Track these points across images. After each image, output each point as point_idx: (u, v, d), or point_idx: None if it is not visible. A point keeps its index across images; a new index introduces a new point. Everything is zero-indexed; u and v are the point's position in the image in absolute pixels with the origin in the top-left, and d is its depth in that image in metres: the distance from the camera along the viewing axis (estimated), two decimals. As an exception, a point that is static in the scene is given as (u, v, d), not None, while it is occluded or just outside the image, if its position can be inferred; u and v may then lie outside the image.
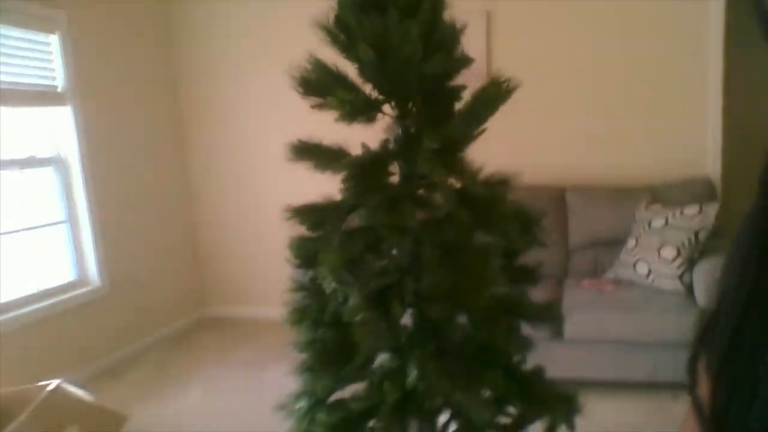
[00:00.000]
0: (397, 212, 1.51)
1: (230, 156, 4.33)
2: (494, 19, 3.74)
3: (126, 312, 3.70)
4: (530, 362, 1.75)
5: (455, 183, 1.67)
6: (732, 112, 3.54)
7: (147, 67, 4.06)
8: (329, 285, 1.51)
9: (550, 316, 1.82)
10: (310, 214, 1.67)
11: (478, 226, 1.65)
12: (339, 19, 1.64)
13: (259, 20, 4.12)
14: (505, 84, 1.69)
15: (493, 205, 1.62)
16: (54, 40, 3.26)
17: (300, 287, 1.70)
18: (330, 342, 1.55)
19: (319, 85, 1.63)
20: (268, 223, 4.02)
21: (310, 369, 1.61)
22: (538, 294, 3.00)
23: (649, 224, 3.07)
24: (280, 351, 2.57)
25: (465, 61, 1.74)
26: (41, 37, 3.23)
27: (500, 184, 1.65)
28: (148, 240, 3.96)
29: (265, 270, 4.19)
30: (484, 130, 1.74)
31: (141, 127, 3.94)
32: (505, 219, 1.63)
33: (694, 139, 3.53)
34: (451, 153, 1.63)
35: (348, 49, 1.63)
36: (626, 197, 3.38)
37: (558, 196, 3.55)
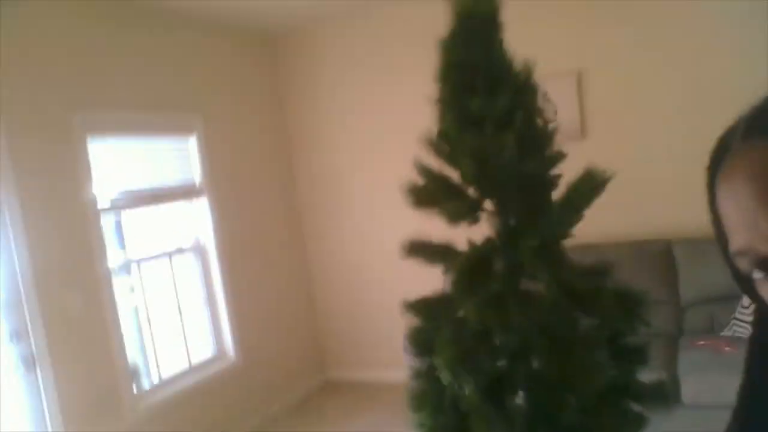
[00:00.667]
0: (502, 309, 1.65)
1: (343, 225, 4.66)
2: (585, 78, 3.82)
3: (257, 382, 4.04)
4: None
5: (558, 275, 1.79)
6: None
7: (266, 155, 4.54)
8: (446, 377, 1.67)
9: (661, 395, 1.86)
10: (424, 307, 1.85)
11: (581, 314, 1.76)
12: (442, 133, 1.84)
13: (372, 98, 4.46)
14: (600, 176, 1.81)
15: (594, 294, 1.72)
16: (192, 141, 3.76)
17: (419, 374, 1.87)
18: (450, 429, 1.70)
19: (427, 193, 1.82)
20: (383, 289, 4.29)
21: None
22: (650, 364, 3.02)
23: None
24: (401, 417, 2.74)
25: (558, 158, 1.88)
26: (182, 140, 3.74)
27: (600, 273, 1.75)
28: (274, 313, 4.33)
29: (380, 332, 4.42)
30: (581, 219, 1.86)
31: (264, 212, 4.40)
32: (608, 307, 1.72)
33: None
34: (550, 247, 1.76)
35: (451, 158, 1.83)
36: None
37: (664, 250, 3.51)
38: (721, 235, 0.56)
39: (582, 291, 1.73)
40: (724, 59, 3.51)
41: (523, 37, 3.96)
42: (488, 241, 1.84)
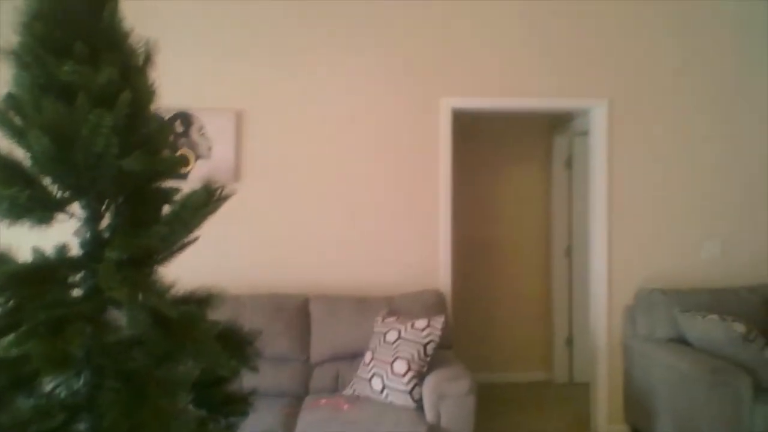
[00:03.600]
0: (59, 338, 1.21)
1: None
2: (245, 119, 3.68)
3: None
4: None
5: (147, 301, 1.43)
6: (459, 233, 3.89)
7: None
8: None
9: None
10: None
11: (173, 352, 1.42)
12: (13, 98, 1.36)
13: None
14: (218, 190, 1.54)
15: (189, 326, 1.40)
16: None
17: None
18: None
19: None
20: None
21: None
22: (268, 418, 2.80)
23: (384, 337, 3.10)
24: None
25: (176, 162, 1.57)
26: None
27: (199, 302, 1.45)
28: None
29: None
30: (194, 240, 1.56)
31: None
32: (204, 343, 1.42)
33: (428, 255, 3.76)
34: (142, 266, 1.40)
35: (21, 134, 1.35)
36: (367, 308, 3.41)
37: (301, 306, 3.45)
38: None
39: (176, 322, 1.39)
40: (379, 131, 3.77)
41: (182, 68, 3.67)
42: (61, 250, 1.39)
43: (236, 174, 3.64)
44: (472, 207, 5.09)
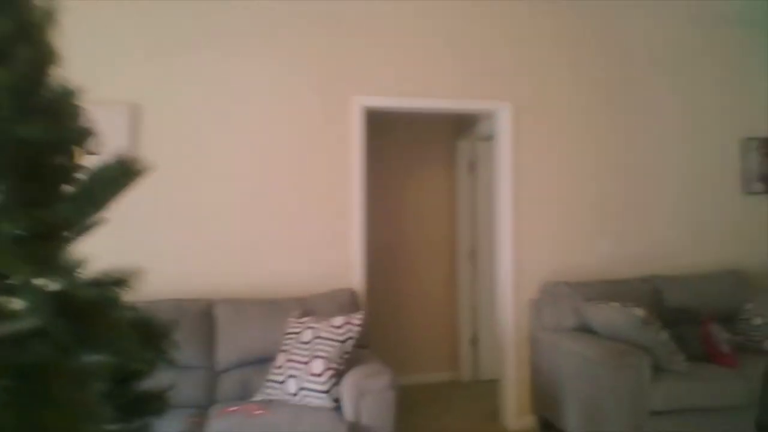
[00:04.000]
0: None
1: None
2: (143, 114, 3.44)
3: None
4: None
5: (51, 284, 1.25)
6: (372, 231, 3.86)
7: None
8: None
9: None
10: None
11: (82, 342, 1.25)
12: None
13: None
14: (132, 165, 1.40)
15: (101, 312, 1.25)
16: None
17: None
18: None
19: None
20: None
21: None
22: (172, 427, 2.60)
23: (299, 339, 2.99)
24: None
25: (80, 133, 1.40)
26: None
27: (113, 284, 1.29)
28: None
29: None
30: (102, 220, 1.39)
31: None
32: (118, 331, 1.26)
33: (339, 255, 3.69)
34: (46, 243, 1.22)
35: None
36: (277, 310, 3.27)
37: (205, 310, 3.25)
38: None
39: (85, 307, 1.23)
40: (291, 125, 3.66)
41: (77, 57, 3.39)
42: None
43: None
44: (380, 208, 5.08)
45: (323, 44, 3.71)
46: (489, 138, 4.52)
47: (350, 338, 2.91)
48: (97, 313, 1.25)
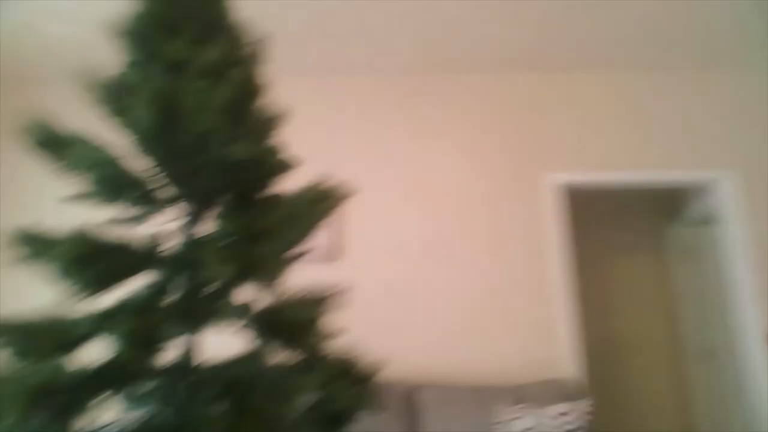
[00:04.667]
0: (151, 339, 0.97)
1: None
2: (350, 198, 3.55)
3: None
4: None
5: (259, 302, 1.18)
6: (588, 317, 3.45)
7: None
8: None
9: None
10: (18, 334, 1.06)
11: (287, 361, 1.14)
12: (121, 75, 1.25)
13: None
14: (330, 189, 1.34)
15: (307, 332, 1.13)
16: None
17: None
18: None
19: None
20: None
21: None
22: None
23: (512, 427, 2.63)
24: None
25: (284, 157, 1.39)
26: None
27: (318, 304, 1.18)
28: None
29: None
30: (306, 252, 1.33)
31: None
32: (322, 354, 1.13)
33: (544, 342, 3.31)
34: (253, 249, 1.16)
35: (125, 111, 1.22)
36: (485, 397, 2.95)
37: (407, 393, 3.04)
38: None
39: (291, 324, 1.14)
40: (496, 206, 3.54)
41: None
42: (151, 240, 1.19)
43: (336, 253, 3.46)
44: (588, 294, 4.60)
45: (514, 120, 3.62)
46: (706, 220, 3.91)
47: (578, 428, 2.48)
48: (303, 333, 1.14)
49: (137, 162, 1.22)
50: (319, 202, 1.31)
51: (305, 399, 1.07)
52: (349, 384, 1.20)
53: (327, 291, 1.22)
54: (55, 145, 1.11)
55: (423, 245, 3.49)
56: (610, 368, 4.53)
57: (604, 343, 4.58)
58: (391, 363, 3.32)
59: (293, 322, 1.12)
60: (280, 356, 1.12)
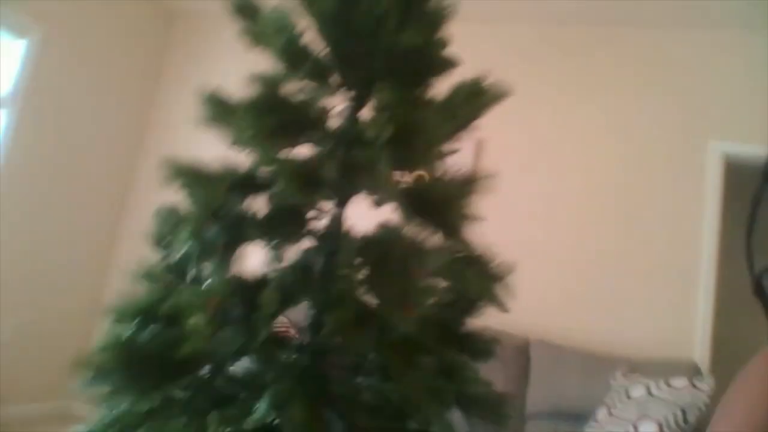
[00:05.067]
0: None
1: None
2: (484, 148, 3.54)
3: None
4: None
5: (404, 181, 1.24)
6: (723, 300, 3.21)
7: (111, 119, 3.92)
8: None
9: (497, 408, 1.27)
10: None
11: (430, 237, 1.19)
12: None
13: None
14: (489, 87, 1.35)
15: (451, 210, 1.17)
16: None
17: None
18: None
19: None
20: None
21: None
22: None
23: (627, 393, 2.54)
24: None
25: (449, 60, 1.41)
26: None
27: (463, 184, 1.21)
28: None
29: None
30: (456, 150, 1.37)
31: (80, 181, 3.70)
32: (462, 236, 1.17)
33: (679, 322, 3.13)
34: (410, 145, 1.21)
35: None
36: (599, 364, 2.87)
37: (522, 349, 3.04)
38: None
39: (436, 201, 1.18)
40: (636, 166, 3.39)
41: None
42: (321, 112, 1.27)
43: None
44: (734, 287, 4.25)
45: (678, 83, 3.37)
46: None
47: (695, 406, 2.35)
48: (447, 211, 1.18)
49: (316, 44, 1.31)
50: (474, 98, 1.33)
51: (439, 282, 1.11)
52: (483, 274, 1.23)
53: (474, 175, 1.25)
54: (249, 10, 1.23)
55: (564, 201, 3.41)
56: (738, 369, 4.18)
57: (735, 342, 4.23)
58: (507, 316, 3.30)
59: (438, 200, 1.16)
60: (423, 233, 1.17)
